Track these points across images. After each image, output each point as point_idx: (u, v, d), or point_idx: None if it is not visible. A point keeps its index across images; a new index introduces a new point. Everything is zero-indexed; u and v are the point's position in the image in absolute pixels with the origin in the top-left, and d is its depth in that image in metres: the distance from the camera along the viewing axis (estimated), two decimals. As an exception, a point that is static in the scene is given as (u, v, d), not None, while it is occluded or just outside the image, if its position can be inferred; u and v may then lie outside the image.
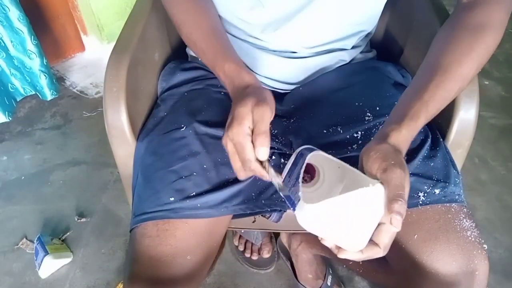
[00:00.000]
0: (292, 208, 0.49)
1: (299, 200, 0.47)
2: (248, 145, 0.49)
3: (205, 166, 0.62)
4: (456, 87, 0.54)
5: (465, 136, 0.68)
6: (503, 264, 1.13)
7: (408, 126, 0.51)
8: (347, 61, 0.77)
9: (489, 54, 0.56)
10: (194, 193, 0.60)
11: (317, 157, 0.51)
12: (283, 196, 0.53)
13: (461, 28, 0.57)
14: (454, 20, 0.60)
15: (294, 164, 0.53)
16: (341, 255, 0.48)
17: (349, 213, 0.45)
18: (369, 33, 0.79)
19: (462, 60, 0.54)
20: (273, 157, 0.65)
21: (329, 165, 0.53)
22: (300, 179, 0.48)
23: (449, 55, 0.55)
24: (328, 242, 0.49)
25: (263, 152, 0.49)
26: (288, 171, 0.54)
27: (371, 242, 0.47)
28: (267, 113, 0.50)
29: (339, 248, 0.48)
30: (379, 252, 0.47)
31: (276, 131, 0.69)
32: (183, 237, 0.58)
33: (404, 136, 0.50)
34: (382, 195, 0.46)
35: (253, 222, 0.74)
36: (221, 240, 0.68)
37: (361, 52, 0.80)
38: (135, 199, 0.65)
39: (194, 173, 0.61)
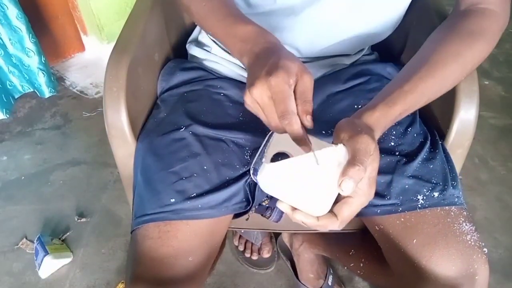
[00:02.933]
0: (254, 176, 0.47)
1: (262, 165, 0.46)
2: (292, 96, 0.44)
3: (205, 167, 0.62)
4: (437, 85, 0.54)
5: (465, 136, 0.68)
6: (503, 264, 1.13)
7: (382, 110, 0.50)
8: (348, 65, 0.77)
9: (475, 63, 0.57)
10: (194, 194, 0.60)
11: (286, 138, 0.50)
12: (254, 178, 0.51)
13: (454, 33, 0.58)
14: (449, 24, 0.61)
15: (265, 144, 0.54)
16: (296, 216, 0.45)
17: (309, 175, 0.43)
18: None
19: (447, 61, 0.55)
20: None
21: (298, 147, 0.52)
22: (266, 148, 0.48)
23: (436, 54, 0.56)
24: (284, 206, 0.46)
25: (309, 120, 0.45)
26: (260, 152, 0.53)
27: (331, 211, 0.45)
28: (312, 83, 0.46)
29: (294, 209, 0.45)
30: (335, 223, 0.44)
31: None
32: (184, 238, 0.58)
33: (376, 118, 0.50)
34: (344, 159, 0.43)
35: (247, 219, 0.72)
36: (222, 240, 0.68)
37: (362, 55, 0.80)
38: (135, 200, 0.65)
39: (195, 174, 0.61)
